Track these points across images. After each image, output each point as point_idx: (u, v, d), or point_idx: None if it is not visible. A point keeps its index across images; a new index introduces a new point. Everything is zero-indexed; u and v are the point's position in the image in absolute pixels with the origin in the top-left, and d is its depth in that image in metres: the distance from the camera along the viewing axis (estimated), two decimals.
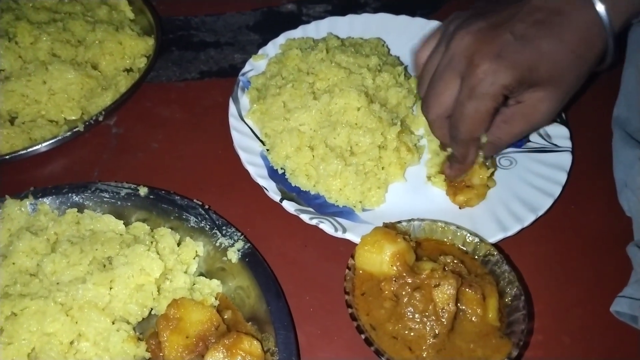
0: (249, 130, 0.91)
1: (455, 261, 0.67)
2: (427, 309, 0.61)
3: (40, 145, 0.87)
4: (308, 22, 1.10)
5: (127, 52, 1.03)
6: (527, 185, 0.83)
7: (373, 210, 0.83)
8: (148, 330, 0.68)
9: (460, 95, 0.70)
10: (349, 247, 0.76)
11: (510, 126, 0.74)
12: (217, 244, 0.75)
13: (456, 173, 0.81)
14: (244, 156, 0.86)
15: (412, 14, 1.12)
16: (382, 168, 0.85)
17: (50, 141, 0.88)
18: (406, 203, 0.84)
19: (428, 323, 0.61)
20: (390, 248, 0.64)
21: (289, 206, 0.80)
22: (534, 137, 0.90)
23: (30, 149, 0.87)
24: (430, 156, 0.88)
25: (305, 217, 0.78)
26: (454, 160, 0.79)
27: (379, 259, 0.64)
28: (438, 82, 0.72)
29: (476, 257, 0.70)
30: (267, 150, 0.88)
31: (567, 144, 0.87)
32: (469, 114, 0.70)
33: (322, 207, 0.82)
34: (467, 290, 0.63)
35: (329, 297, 0.74)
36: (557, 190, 0.81)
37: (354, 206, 0.82)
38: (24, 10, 1.04)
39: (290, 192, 0.83)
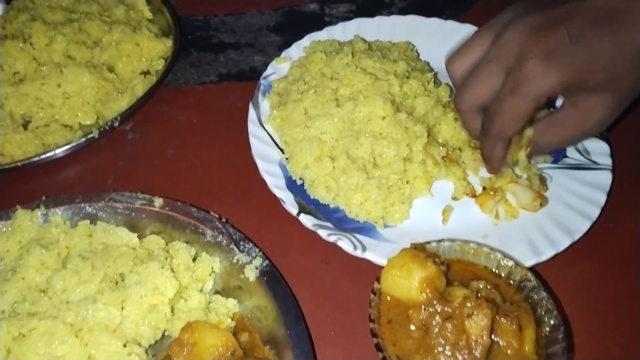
0: (268, 137, 0.87)
1: (488, 286, 0.62)
2: (460, 340, 0.57)
3: (53, 152, 0.84)
4: (331, 22, 1.06)
5: (144, 54, 0.99)
6: (563, 205, 0.78)
7: (396, 226, 0.78)
8: (160, 352, 0.65)
9: (502, 90, 0.67)
10: (373, 266, 0.72)
11: (560, 130, 0.69)
12: (235, 260, 0.71)
13: (490, 169, 0.78)
14: (261, 165, 0.82)
15: (440, 14, 1.07)
16: (407, 182, 0.80)
17: (64, 148, 0.85)
18: (431, 220, 0.79)
19: (460, 356, 0.56)
20: (420, 273, 0.60)
21: (307, 220, 0.76)
22: (571, 153, 0.85)
23: (43, 156, 0.84)
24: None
25: (323, 233, 0.74)
26: (482, 155, 0.77)
27: (408, 285, 0.60)
28: (480, 72, 0.69)
29: (511, 282, 0.65)
30: (286, 159, 0.84)
31: (607, 161, 0.82)
32: (507, 110, 0.66)
33: (341, 221, 0.78)
34: (503, 320, 0.58)
35: (351, 319, 0.70)
36: (595, 213, 0.76)
37: (376, 222, 0.78)
38: (40, 10, 1.01)
39: (309, 204, 0.79)
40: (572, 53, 0.62)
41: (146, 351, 0.63)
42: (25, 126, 0.91)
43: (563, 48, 0.62)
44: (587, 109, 0.66)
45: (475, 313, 0.57)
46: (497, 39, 0.67)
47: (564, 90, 0.65)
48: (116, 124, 0.88)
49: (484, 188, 0.82)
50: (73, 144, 0.85)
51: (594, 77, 0.63)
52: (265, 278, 0.69)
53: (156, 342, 0.65)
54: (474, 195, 0.82)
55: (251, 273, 0.69)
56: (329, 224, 0.76)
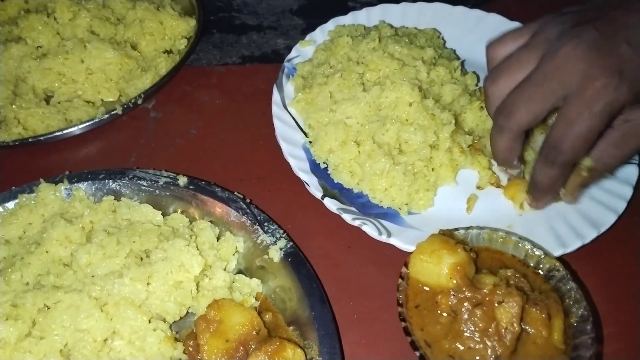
0: (292, 120, 0.87)
1: (517, 275, 0.62)
2: (489, 327, 0.56)
3: (76, 127, 0.84)
4: (354, 7, 1.05)
5: (167, 32, 0.99)
6: (589, 198, 0.77)
7: (420, 214, 0.78)
8: (184, 329, 0.65)
9: (568, 111, 0.61)
10: (396, 251, 0.72)
11: (620, 149, 0.66)
12: (259, 241, 0.71)
13: (543, 203, 0.75)
14: (285, 147, 0.81)
15: (466, 2, 1.06)
16: (432, 169, 0.80)
17: (87, 123, 0.84)
18: (456, 209, 0.78)
19: (489, 343, 0.56)
20: (450, 259, 0.59)
21: (331, 204, 0.75)
22: None
23: (66, 131, 0.83)
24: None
25: (347, 217, 0.74)
26: (538, 189, 0.71)
27: (437, 270, 0.60)
28: (536, 89, 0.63)
29: (539, 271, 0.65)
30: (310, 142, 0.83)
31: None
32: (580, 132, 0.61)
33: (364, 207, 0.77)
34: (532, 309, 0.58)
35: (375, 303, 0.70)
36: (621, 206, 0.75)
37: (400, 208, 0.77)
38: None
39: (333, 188, 0.79)
40: (638, 65, 0.60)
41: (170, 327, 0.63)
42: (47, 101, 0.90)
43: (630, 61, 0.60)
44: None
45: (505, 300, 0.57)
46: (553, 56, 0.62)
47: (632, 103, 0.61)
48: (139, 102, 0.88)
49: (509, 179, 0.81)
50: (96, 120, 0.84)
51: None
52: (289, 259, 0.68)
53: (180, 319, 0.64)
54: (498, 185, 0.81)
55: (275, 254, 0.68)
56: (353, 209, 0.76)
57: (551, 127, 0.64)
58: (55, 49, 0.92)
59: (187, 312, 0.66)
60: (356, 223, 0.73)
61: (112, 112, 0.85)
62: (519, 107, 0.65)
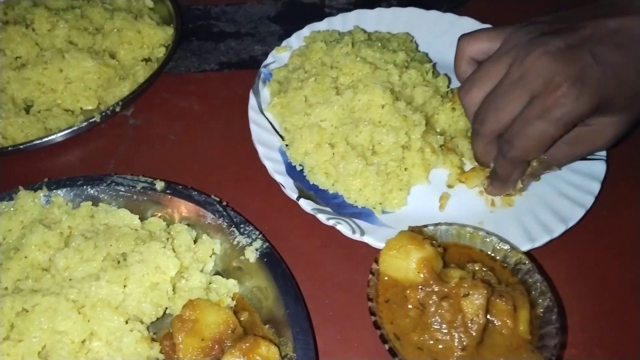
0: (269, 124, 0.88)
1: (484, 269, 0.64)
2: (455, 319, 0.58)
3: (55, 135, 0.85)
4: (331, 14, 1.07)
5: (145, 41, 1.00)
6: (558, 194, 0.79)
7: (394, 212, 0.79)
8: (162, 330, 0.66)
9: (528, 113, 0.65)
10: (371, 249, 0.73)
11: (572, 149, 0.71)
12: (235, 243, 0.72)
13: (497, 191, 0.78)
14: (261, 151, 0.83)
15: (439, 7, 1.08)
16: (405, 169, 0.82)
17: (66, 131, 0.86)
18: (428, 206, 0.80)
19: (456, 334, 0.58)
20: (417, 254, 0.61)
21: (306, 205, 0.77)
22: None
23: (46, 139, 0.85)
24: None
25: (322, 217, 0.76)
26: (496, 178, 0.76)
27: (405, 265, 0.61)
28: (503, 97, 0.67)
29: (506, 265, 0.67)
30: (286, 145, 0.85)
31: (602, 152, 0.83)
32: (533, 134, 0.65)
33: (340, 207, 0.79)
34: (498, 300, 0.60)
35: (349, 300, 0.72)
36: (589, 201, 0.77)
37: (374, 208, 0.79)
38: None
39: (308, 190, 0.81)
40: (600, 78, 0.62)
41: (148, 328, 0.64)
42: (27, 110, 0.92)
43: (592, 73, 0.62)
44: (602, 128, 0.68)
45: (471, 293, 0.58)
46: (519, 64, 0.65)
47: (591, 113, 0.64)
48: (117, 109, 0.89)
49: (473, 168, 0.83)
50: (75, 128, 0.86)
51: (618, 101, 0.64)
52: (265, 259, 0.70)
53: (158, 319, 0.66)
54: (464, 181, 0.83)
55: (251, 255, 0.70)
56: (327, 209, 0.77)
57: (512, 121, 0.67)
58: (34, 59, 0.93)
59: (165, 313, 0.67)
60: (330, 222, 0.75)
61: (91, 120, 0.87)
62: (489, 115, 0.69)
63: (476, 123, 0.72)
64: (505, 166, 0.71)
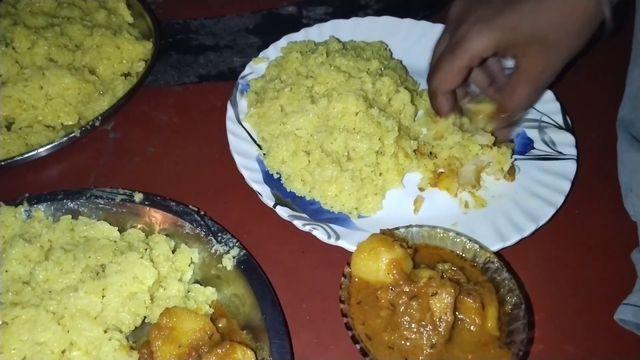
0: (246, 134, 0.90)
1: (454, 268, 0.66)
2: (424, 318, 0.60)
3: (36, 151, 0.87)
4: (308, 24, 1.09)
5: (125, 56, 1.02)
6: (530, 194, 0.82)
7: (369, 217, 0.81)
8: (141, 338, 0.67)
9: (443, 50, 0.78)
10: (347, 254, 0.74)
11: (516, 92, 0.78)
12: (213, 251, 0.74)
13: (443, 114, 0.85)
14: (239, 160, 0.85)
15: (414, 15, 1.11)
16: (380, 174, 0.84)
17: (47, 147, 0.87)
18: (403, 210, 0.82)
19: (425, 333, 0.59)
20: (387, 255, 0.63)
21: (282, 212, 0.79)
22: (539, 144, 0.88)
23: (27, 155, 0.86)
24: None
25: (298, 224, 0.77)
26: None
27: (376, 267, 0.63)
28: (436, 45, 0.83)
29: (476, 264, 0.68)
30: (264, 154, 0.87)
31: (572, 151, 0.86)
32: (444, 66, 0.77)
33: (317, 213, 0.80)
34: (466, 298, 0.61)
35: (326, 305, 0.73)
36: (559, 200, 0.79)
37: (350, 212, 0.81)
38: (22, 15, 1.03)
39: (285, 197, 0.82)
40: (501, 16, 0.72)
41: (127, 337, 0.65)
42: (8, 127, 0.93)
43: (493, 13, 0.73)
44: (528, 66, 0.75)
45: (439, 292, 0.60)
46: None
47: (500, 49, 0.74)
48: (97, 124, 0.91)
49: (442, 172, 0.85)
50: (55, 143, 0.87)
51: (522, 36, 0.72)
52: (242, 267, 0.71)
53: (136, 328, 0.67)
54: (435, 184, 0.85)
55: (229, 262, 0.72)
56: (304, 215, 0.79)
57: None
58: (15, 77, 0.95)
59: (144, 322, 0.68)
60: (306, 228, 0.77)
61: (71, 135, 0.88)
62: (432, 70, 0.81)
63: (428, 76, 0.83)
64: (430, 95, 0.82)
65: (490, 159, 0.83)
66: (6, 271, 0.68)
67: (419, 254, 0.69)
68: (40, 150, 0.87)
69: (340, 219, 0.80)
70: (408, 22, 1.08)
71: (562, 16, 0.71)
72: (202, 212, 0.77)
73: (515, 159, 0.86)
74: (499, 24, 0.72)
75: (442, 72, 0.77)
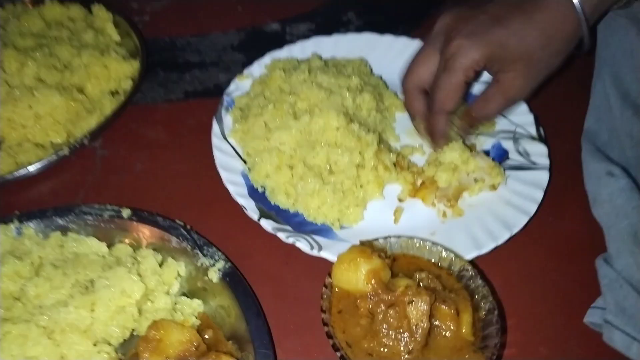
0: (232, 149, 0.93)
1: (430, 277, 0.68)
2: (402, 325, 0.62)
3: (26, 169, 0.89)
4: (292, 41, 1.12)
5: (112, 75, 1.04)
6: (505, 203, 0.85)
7: (351, 227, 0.84)
8: (130, 351, 0.69)
9: (438, 69, 0.79)
10: (330, 264, 0.77)
11: (490, 103, 0.82)
12: (199, 264, 0.76)
13: (435, 144, 0.88)
14: (224, 175, 0.87)
15: (395, 30, 1.14)
16: (361, 186, 0.87)
17: (37, 165, 0.89)
18: (384, 220, 0.85)
19: (402, 339, 0.62)
20: (366, 266, 0.66)
21: (267, 225, 0.81)
22: (514, 155, 0.92)
23: (17, 173, 0.88)
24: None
25: (282, 236, 0.80)
26: (430, 132, 0.88)
27: (355, 277, 0.66)
28: (418, 56, 0.84)
29: (451, 272, 0.71)
30: (248, 169, 0.89)
31: (545, 161, 0.89)
32: (442, 85, 0.78)
33: (301, 225, 0.83)
34: (441, 305, 0.64)
35: (310, 314, 0.76)
36: (532, 208, 0.83)
37: (332, 224, 0.83)
38: (11, 36, 1.06)
39: (270, 210, 0.85)
40: (490, 32, 0.75)
41: (116, 350, 0.68)
42: None
43: (483, 26, 0.75)
44: (508, 81, 0.79)
45: (415, 300, 0.63)
46: (433, 30, 0.82)
47: (488, 63, 0.77)
48: (86, 142, 0.93)
49: (422, 182, 0.88)
50: (44, 161, 0.89)
51: (509, 52, 0.75)
52: (227, 279, 0.74)
53: (125, 341, 0.69)
54: (414, 195, 0.88)
55: (214, 275, 0.74)
56: (288, 227, 0.82)
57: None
58: (4, 97, 0.97)
59: (133, 335, 0.70)
60: (290, 240, 0.80)
61: (60, 153, 0.90)
62: (408, 71, 0.87)
63: (402, 81, 0.88)
64: (432, 118, 0.85)
65: (481, 177, 0.87)
66: None
67: (397, 263, 0.72)
68: (30, 168, 0.89)
69: (323, 230, 0.83)
70: (388, 38, 1.12)
71: (547, 36, 0.74)
72: (189, 226, 0.79)
73: None
74: (489, 39, 0.75)
75: (443, 91, 0.79)
